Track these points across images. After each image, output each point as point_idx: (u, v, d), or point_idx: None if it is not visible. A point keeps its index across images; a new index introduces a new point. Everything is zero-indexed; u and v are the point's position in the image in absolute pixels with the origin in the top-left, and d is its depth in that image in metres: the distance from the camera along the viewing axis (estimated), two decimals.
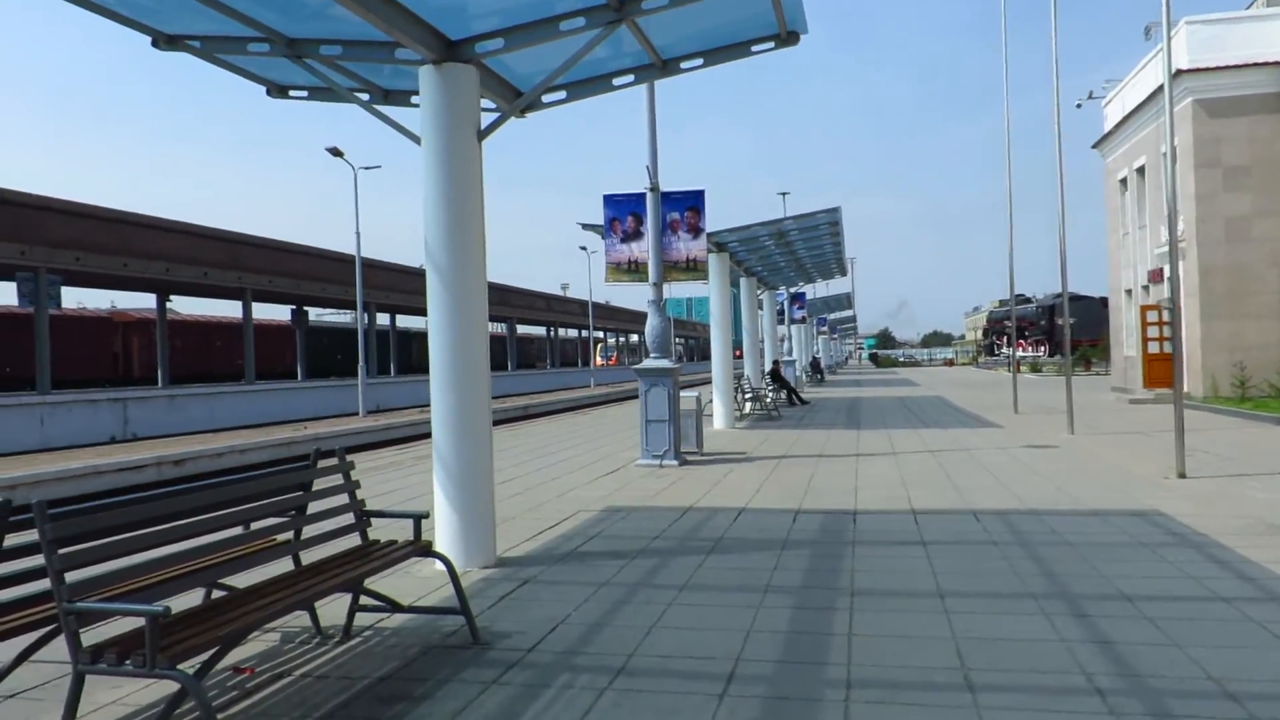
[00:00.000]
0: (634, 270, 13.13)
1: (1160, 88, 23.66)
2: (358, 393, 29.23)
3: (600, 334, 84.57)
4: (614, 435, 18.02)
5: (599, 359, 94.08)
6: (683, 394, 13.47)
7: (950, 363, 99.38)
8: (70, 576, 3.31)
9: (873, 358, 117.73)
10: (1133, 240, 28.11)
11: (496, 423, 30.83)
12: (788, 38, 7.60)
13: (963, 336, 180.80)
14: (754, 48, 7.68)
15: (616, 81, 8.02)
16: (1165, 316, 24.87)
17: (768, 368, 27.24)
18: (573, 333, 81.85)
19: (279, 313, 44.95)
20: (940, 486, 10.19)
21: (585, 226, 17.56)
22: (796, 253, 22.58)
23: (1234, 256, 22.52)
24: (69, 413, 23.58)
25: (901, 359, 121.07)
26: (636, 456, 13.40)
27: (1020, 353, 77.10)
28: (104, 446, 21.41)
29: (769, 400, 22.65)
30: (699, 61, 7.85)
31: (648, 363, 12.95)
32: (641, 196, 12.98)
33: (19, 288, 25.52)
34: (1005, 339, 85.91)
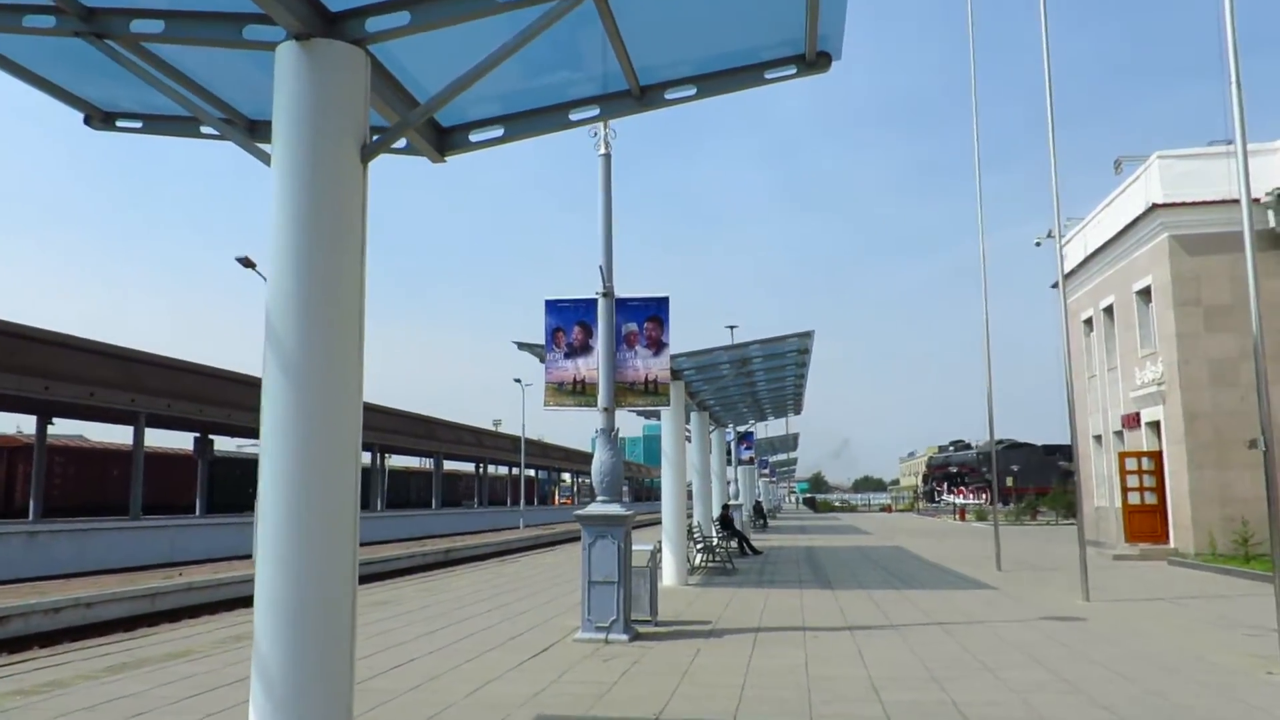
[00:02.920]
0: (580, 392, 10.65)
1: (1134, 222, 22.64)
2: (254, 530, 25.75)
3: (531, 472, 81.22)
4: (546, 591, 15.16)
5: (557, 499, 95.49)
6: (636, 546, 10.86)
7: (888, 509, 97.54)
8: None
9: (809, 502, 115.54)
10: (1101, 383, 26.66)
11: (413, 569, 27.58)
12: (816, 61, 5.47)
13: (896, 481, 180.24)
14: (768, 73, 5.52)
15: (574, 115, 5.78)
16: (1146, 465, 23.14)
17: (715, 513, 24.69)
18: (503, 470, 78.41)
19: (188, 440, 41.28)
20: (985, 683, 7.64)
21: (521, 346, 15.16)
22: (755, 384, 20.43)
23: (1220, 401, 20.95)
24: None
25: (837, 504, 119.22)
26: (574, 626, 10.64)
27: (960, 499, 75.68)
28: None
29: (720, 550, 20.02)
30: (690, 90, 5.64)
31: (594, 508, 10.34)
32: (592, 303, 10.66)
33: None
34: (946, 485, 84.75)
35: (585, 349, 10.64)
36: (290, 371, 4.09)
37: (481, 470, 68.47)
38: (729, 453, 31.29)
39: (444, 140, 5.86)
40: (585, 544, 10.26)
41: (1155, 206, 21.35)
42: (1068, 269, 29.00)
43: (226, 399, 33.66)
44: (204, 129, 6.02)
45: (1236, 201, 21.00)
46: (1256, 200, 20.97)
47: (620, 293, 10.70)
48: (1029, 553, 24.08)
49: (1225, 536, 20.07)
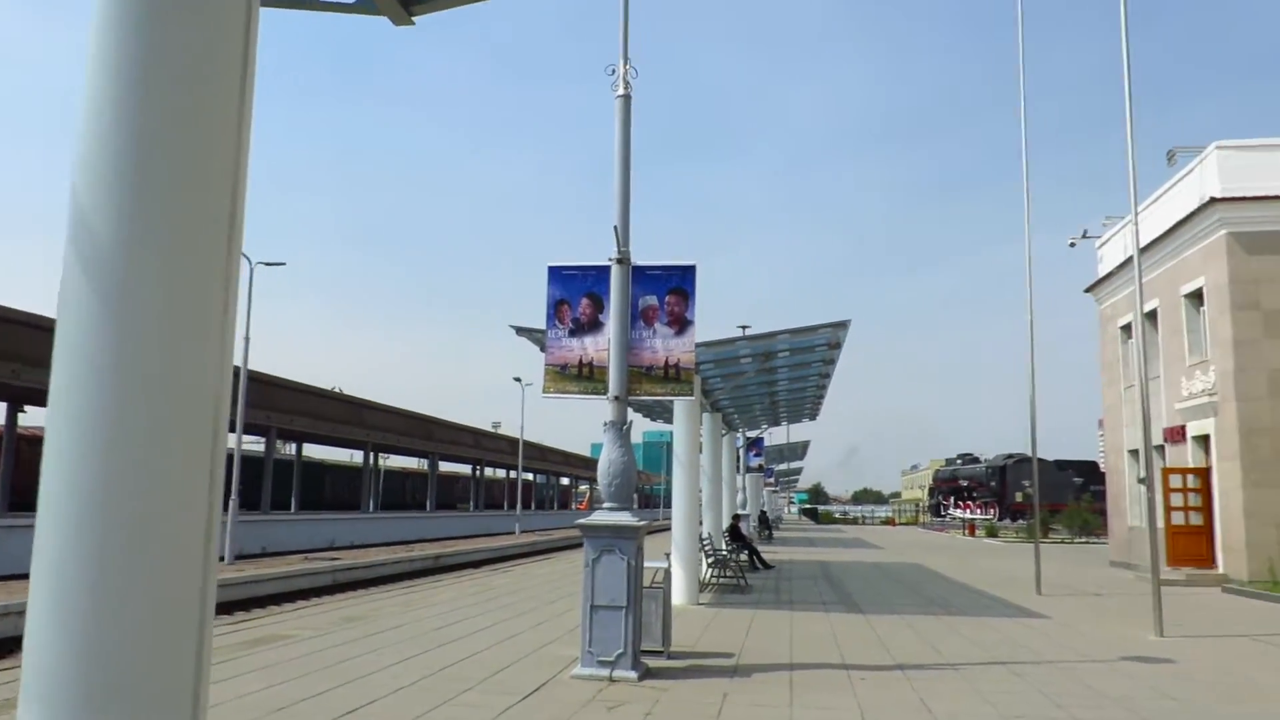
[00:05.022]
0: (587, 376, 8.93)
1: (1188, 217, 20.92)
2: (225, 532, 24.00)
3: (530, 476, 79.41)
4: (540, 609, 13.43)
5: (586, 503, 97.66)
6: (645, 562, 9.12)
7: (891, 521, 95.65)
8: None
9: (810, 513, 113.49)
10: (1138, 396, 24.87)
11: (399, 575, 25.80)
12: None
13: (897, 494, 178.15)
14: None
15: None
16: (1192, 482, 21.39)
17: (724, 524, 22.94)
18: (500, 473, 76.64)
19: None
20: None
21: (520, 331, 13.44)
22: (776, 384, 18.71)
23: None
24: None
25: (838, 515, 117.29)
26: (571, 657, 8.91)
27: (967, 514, 73.89)
28: None
29: (734, 565, 18.28)
30: None
31: (599, 516, 8.61)
32: (604, 271, 8.95)
33: None
34: (953, 499, 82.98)
35: (594, 325, 8.92)
36: (103, 292, 2.36)
37: (478, 473, 66.73)
38: (738, 459, 29.56)
39: None
40: (588, 559, 8.53)
41: (1214, 200, 19.62)
42: (1104, 271, 27.36)
43: None
44: None
45: None
46: None
47: (638, 259, 8.98)
48: (1061, 573, 22.33)
49: None
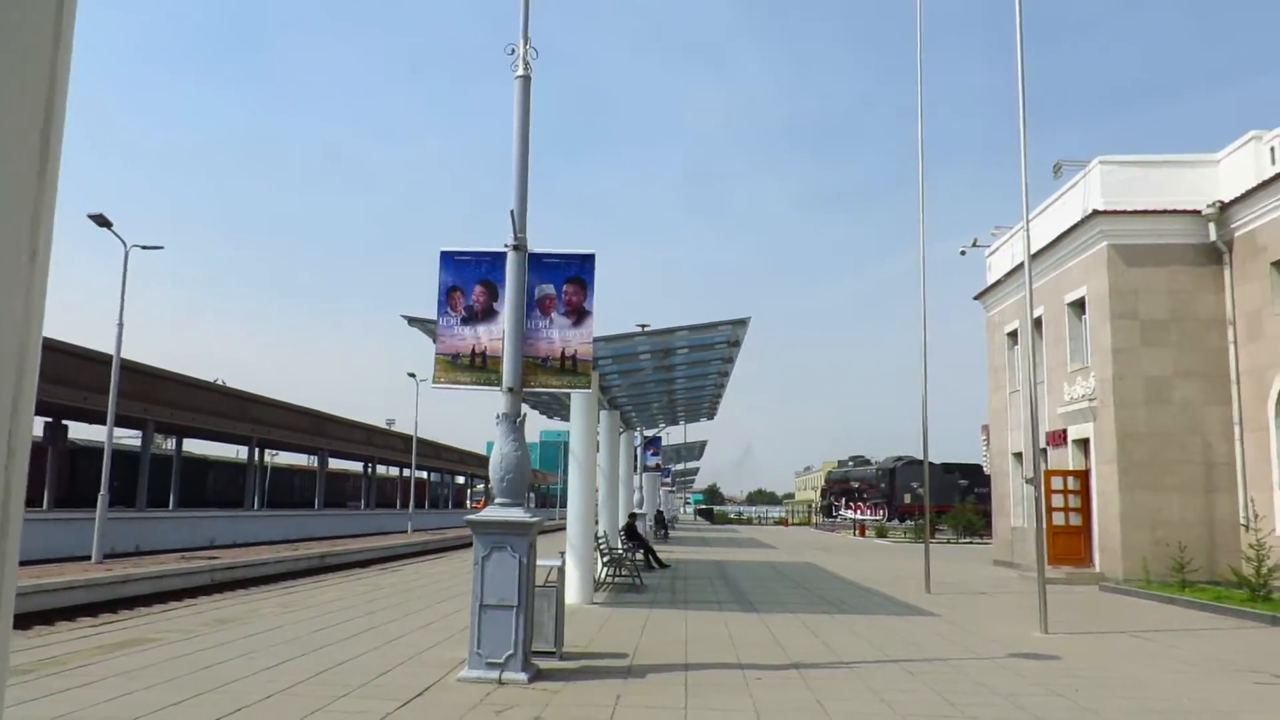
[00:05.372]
0: (479, 367, 8.55)
1: (1072, 229, 21.63)
2: (94, 530, 22.60)
3: (424, 474, 77.89)
4: (429, 610, 12.97)
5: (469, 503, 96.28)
6: (539, 560, 8.82)
7: (784, 522, 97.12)
8: None
9: (705, 513, 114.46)
10: (1023, 399, 25.68)
11: (282, 575, 24.82)
12: None
13: (791, 495, 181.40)
14: None
15: None
16: (1072, 484, 22.16)
17: (620, 523, 22.75)
18: (394, 471, 74.99)
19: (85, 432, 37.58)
20: None
21: (411, 321, 12.92)
22: (674, 381, 18.56)
23: (1155, 420, 19.99)
24: None
25: (733, 515, 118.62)
26: (459, 659, 8.54)
27: (858, 515, 75.62)
28: None
29: (629, 564, 18.09)
30: None
31: (490, 512, 8.27)
32: (500, 258, 8.58)
33: None
34: (844, 500, 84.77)
35: (488, 314, 8.55)
36: None
37: (370, 470, 65.08)
38: (635, 458, 29.42)
39: None
40: (478, 557, 8.18)
41: (1096, 213, 20.31)
42: (992, 279, 28.16)
43: (81, 381, 30.22)
44: None
45: (1181, 212, 20.33)
46: (1197, 212, 20.17)
47: (535, 247, 8.66)
48: (948, 573, 22.85)
49: (1157, 562, 19.04)
